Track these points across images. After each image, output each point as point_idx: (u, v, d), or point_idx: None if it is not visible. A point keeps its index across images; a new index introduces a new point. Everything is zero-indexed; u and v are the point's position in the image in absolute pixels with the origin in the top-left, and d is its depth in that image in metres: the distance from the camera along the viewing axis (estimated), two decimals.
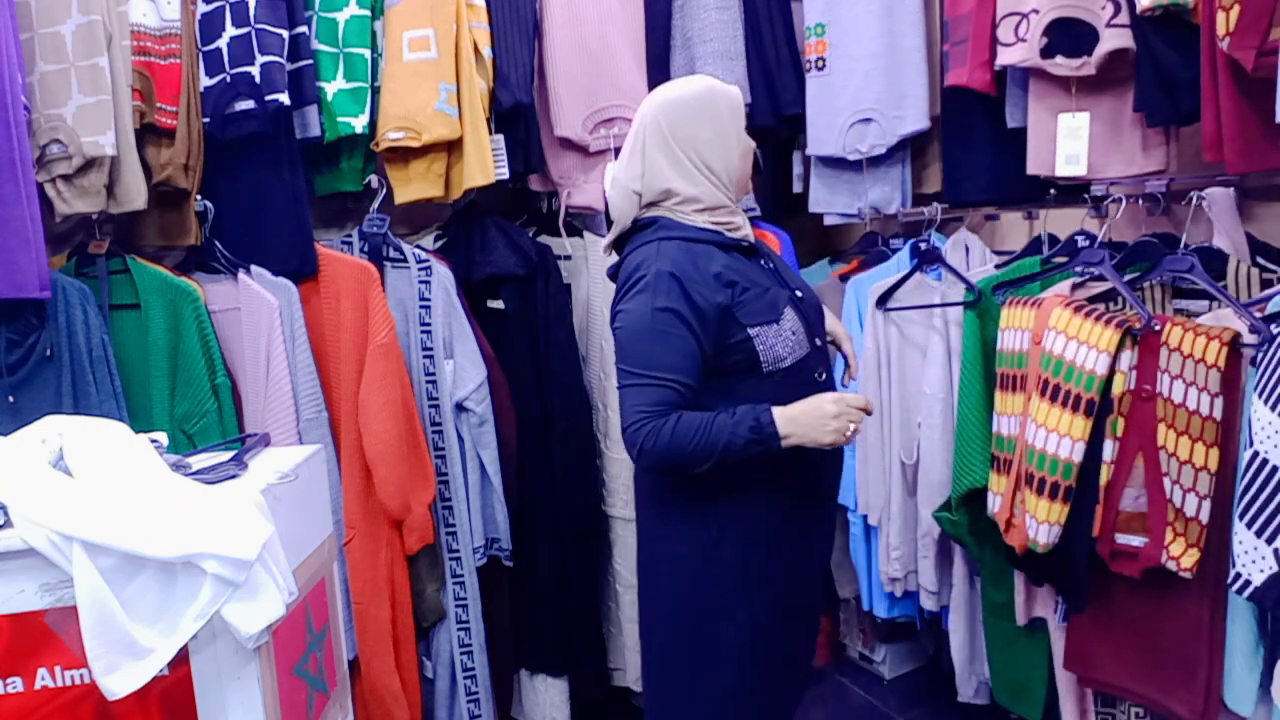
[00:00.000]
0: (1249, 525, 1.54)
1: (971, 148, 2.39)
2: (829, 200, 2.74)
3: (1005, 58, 2.13)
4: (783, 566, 1.74)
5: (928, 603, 2.49)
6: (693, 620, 1.72)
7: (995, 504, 2.00)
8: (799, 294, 1.75)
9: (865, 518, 2.61)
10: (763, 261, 1.76)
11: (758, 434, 1.55)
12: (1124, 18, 1.91)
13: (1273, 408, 1.51)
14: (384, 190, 2.34)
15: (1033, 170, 2.17)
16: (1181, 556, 1.69)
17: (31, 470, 1.33)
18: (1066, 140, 2.02)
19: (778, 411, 1.56)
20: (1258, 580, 1.53)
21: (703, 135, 1.70)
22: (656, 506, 1.77)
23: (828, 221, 2.80)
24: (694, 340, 1.59)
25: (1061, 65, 1.99)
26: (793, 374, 1.67)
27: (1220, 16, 1.61)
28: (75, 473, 1.36)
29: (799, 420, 1.56)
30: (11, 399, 1.94)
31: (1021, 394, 1.92)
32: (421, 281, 2.32)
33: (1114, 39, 1.91)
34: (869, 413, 1.62)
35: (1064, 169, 2.05)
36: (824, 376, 1.74)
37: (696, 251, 1.64)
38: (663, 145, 1.71)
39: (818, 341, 1.75)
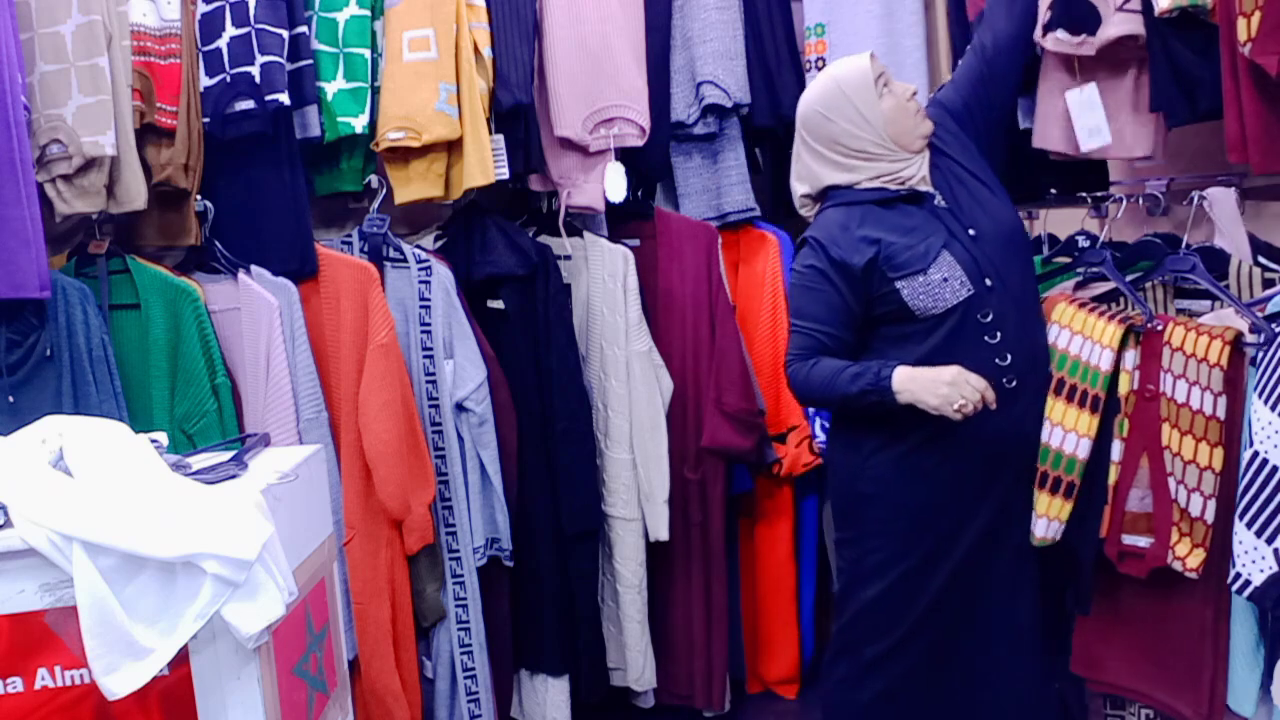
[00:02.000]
0: (1249, 525, 1.54)
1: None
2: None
3: None
4: (925, 513, 1.85)
5: None
6: (843, 531, 1.98)
7: None
8: (971, 233, 1.82)
9: None
10: (938, 201, 1.86)
11: (874, 386, 1.74)
12: (1135, 4, 1.88)
13: (1273, 408, 1.51)
14: (384, 190, 2.34)
15: (1056, 150, 2.10)
16: (1187, 557, 1.68)
17: (31, 470, 1.33)
18: (1082, 114, 2.00)
19: (900, 369, 1.73)
20: (1258, 580, 1.53)
21: (838, 129, 1.86)
22: (835, 420, 2.02)
23: None
24: (837, 294, 1.80)
25: (1063, 41, 1.98)
26: (951, 318, 1.79)
27: (1241, 23, 1.61)
28: (75, 473, 1.36)
29: (916, 379, 1.72)
30: (11, 399, 1.94)
31: None
32: (421, 281, 2.32)
33: (1122, 24, 1.89)
34: (988, 401, 1.70)
35: (1088, 143, 2.00)
36: (989, 317, 1.79)
37: (851, 214, 1.85)
38: (810, 151, 1.92)
39: (988, 282, 1.80)
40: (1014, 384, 1.81)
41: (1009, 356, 1.81)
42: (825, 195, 1.93)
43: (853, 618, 1.94)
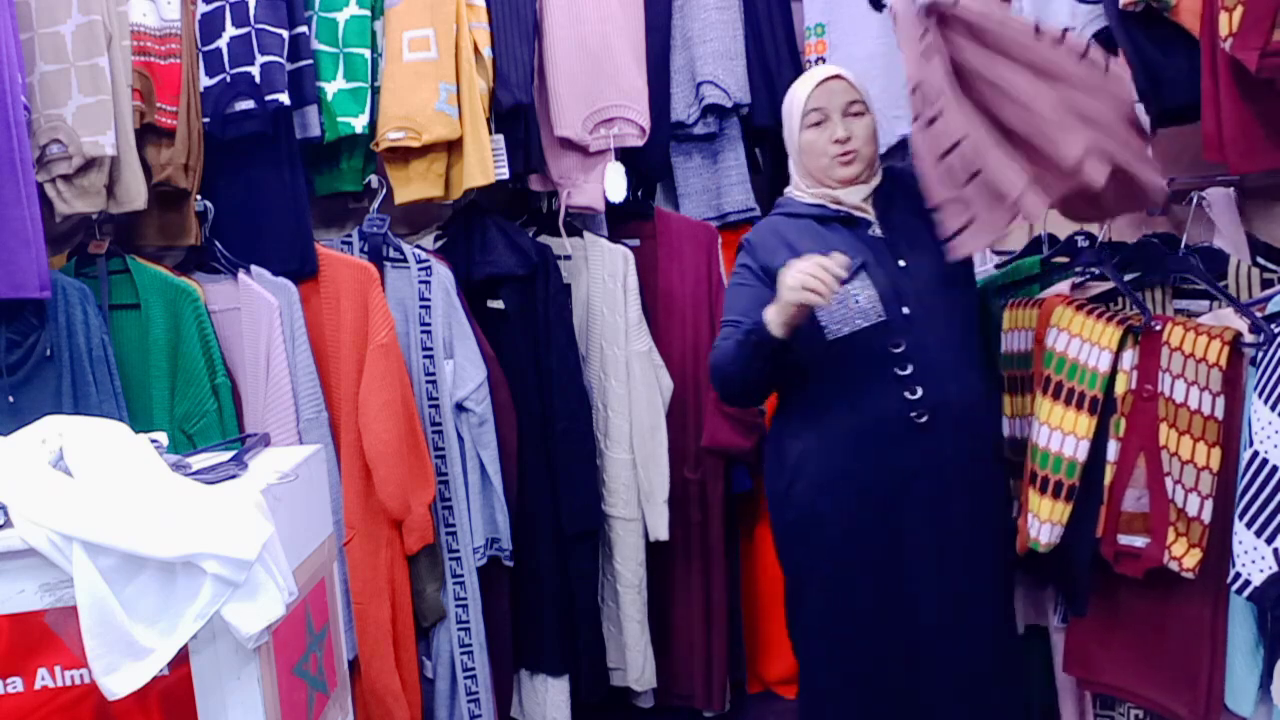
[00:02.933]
0: (1249, 525, 1.54)
1: None
2: None
3: None
4: (842, 521, 1.83)
5: None
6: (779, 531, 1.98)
7: (1013, 509, 2.00)
8: (901, 263, 1.82)
9: None
10: (873, 230, 1.86)
11: (753, 326, 1.71)
12: None
13: (1273, 407, 1.51)
14: (384, 190, 2.34)
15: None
16: (1184, 557, 1.68)
17: (31, 470, 1.33)
18: None
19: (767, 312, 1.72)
20: (1257, 580, 1.53)
21: (787, 133, 1.94)
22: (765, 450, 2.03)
23: None
24: (765, 290, 1.78)
25: None
26: (860, 342, 1.78)
27: (1223, 17, 1.61)
28: (75, 473, 1.36)
29: (777, 296, 1.69)
30: (11, 399, 1.94)
31: (1028, 395, 1.92)
32: (421, 281, 2.32)
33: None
34: (843, 274, 1.64)
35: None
36: (900, 347, 1.77)
37: (788, 224, 1.89)
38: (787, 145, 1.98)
39: (905, 310, 1.78)
40: (924, 419, 1.78)
41: (919, 390, 1.78)
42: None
43: (804, 655, 1.95)
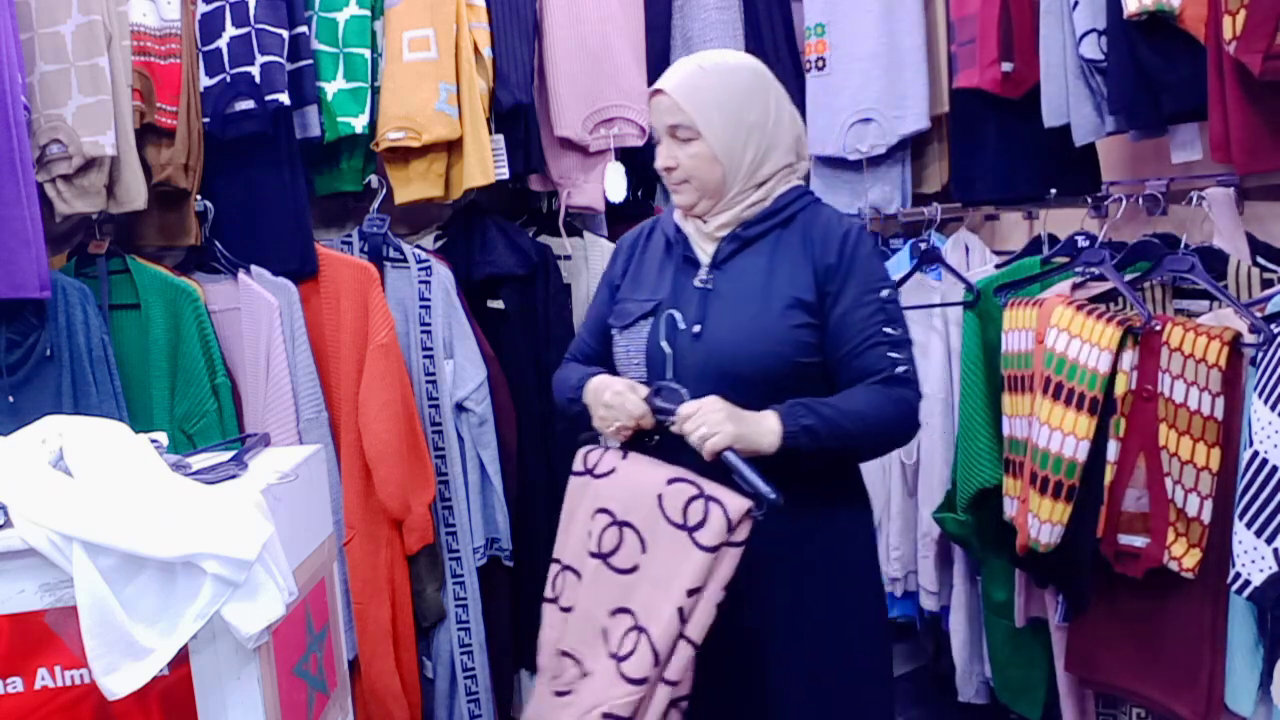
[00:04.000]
0: (1249, 525, 1.54)
1: (983, 146, 2.39)
2: (829, 200, 2.74)
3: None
4: None
5: (928, 603, 2.48)
6: None
7: (1012, 507, 2.00)
8: (696, 329, 1.51)
9: None
10: (700, 276, 1.54)
11: (578, 386, 1.59)
12: None
13: (1273, 407, 1.51)
14: (384, 190, 2.34)
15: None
16: (1183, 557, 1.69)
17: (32, 470, 1.33)
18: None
19: (599, 376, 1.57)
20: (1257, 580, 1.53)
21: None
22: None
23: None
24: (604, 305, 1.67)
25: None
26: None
27: (1226, 21, 1.61)
28: (75, 473, 1.36)
29: (592, 389, 1.55)
30: (11, 399, 1.94)
31: (1029, 395, 1.92)
32: (421, 281, 2.32)
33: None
34: (646, 429, 1.49)
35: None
36: (653, 441, 1.52)
37: (652, 237, 1.66)
38: None
39: (656, 387, 1.50)
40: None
41: (656, 439, 1.54)
42: None
43: None
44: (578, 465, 1.56)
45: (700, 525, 1.35)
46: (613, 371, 1.61)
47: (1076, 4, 1.98)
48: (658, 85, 1.53)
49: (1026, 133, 2.23)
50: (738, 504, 1.35)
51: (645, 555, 1.41)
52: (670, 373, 1.51)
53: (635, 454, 1.51)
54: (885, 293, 1.49)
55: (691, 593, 1.34)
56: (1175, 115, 1.84)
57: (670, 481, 1.42)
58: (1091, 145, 2.16)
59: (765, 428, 1.40)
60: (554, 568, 1.58)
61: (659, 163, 1.54)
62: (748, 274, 1.52)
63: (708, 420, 1.39)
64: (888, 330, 1.47)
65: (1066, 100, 2.08)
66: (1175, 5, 1.72)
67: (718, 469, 1.39)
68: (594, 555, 1.48)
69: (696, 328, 1.51)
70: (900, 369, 1.47)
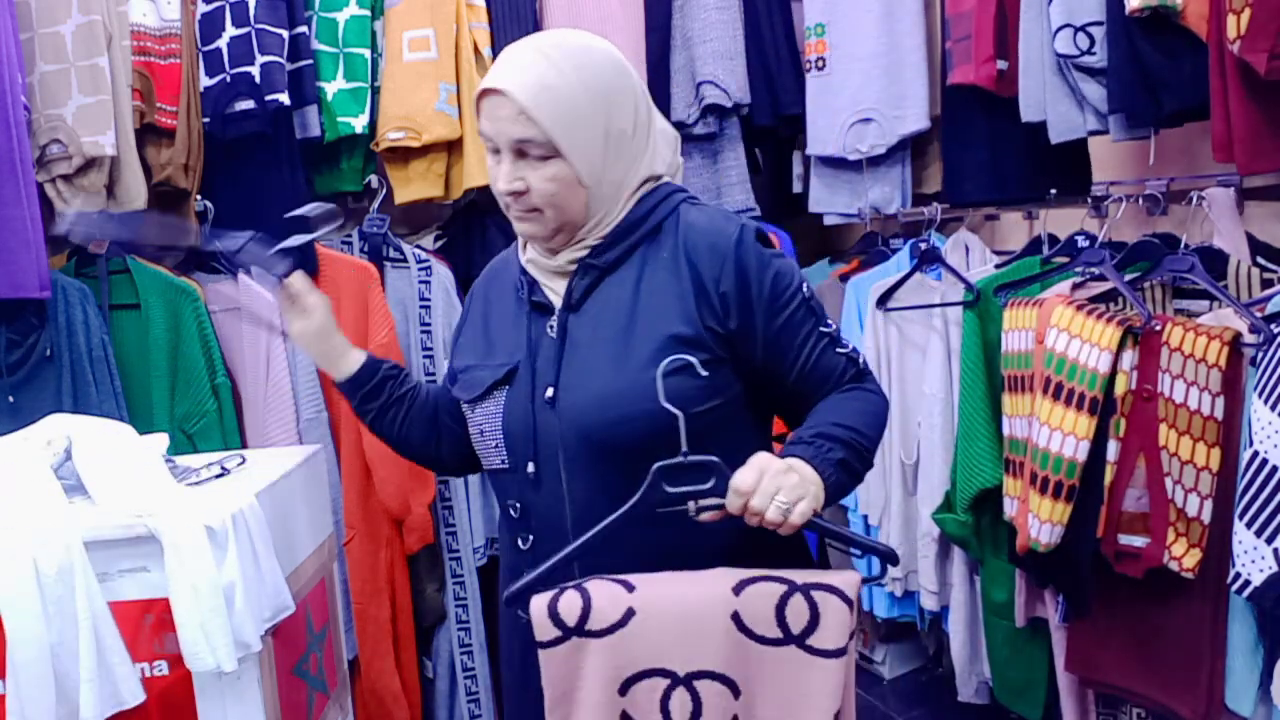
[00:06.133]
0: (1249, 525, 1.54)
1: (973, 146, 2.39)
2: (829, 200, 2.74)
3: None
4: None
5: (928, 602, 2.48)
6: None
7: (1012, 507, 2.00)
8: (549, 393, 1.19)
9: (866, 517, 2.60)
10: (551, 325, 1.22)
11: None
12: None
13: (1273, 407, 1.51)
14: (384, 190, 2.34)
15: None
16: (1183, 557, 1.68)
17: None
18: None
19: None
20: (1257, 580, 1.53)
21: None
22: None
23: (828, 221, 2.80)
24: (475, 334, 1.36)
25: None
26: (494, 483, 1.31)
27: (1230, 20, 1.61)
28: (83, 478, 1.36)
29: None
30: (11, 399, 1.94)
31: (1029, 395, 1.92)
32: (421, 281, 2.32)
33: None
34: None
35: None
36: (516, 509, 1.24)
37: (495, 279, 1.35)
38: None
39: (530, 469, 1.20)
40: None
41: (531, 539, 1.23)
42: None
43: None
44: (541, 624, 1.06)
45: (813, 627, 1.03)
46: (467, 446, 1.34)
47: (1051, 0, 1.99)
48: (491, 83, 1.14)
49: (1016, 134, 2.23)
50: (849, 580, 1.05)
51: (742, 703, 1.05)
52: (533, 454, 1.20)
53: (633, 576, 1.07)
54: (798, 289, 1.21)
55: (836, 716, 1.04)
56: (1177, 114, 1.83)
57: (738, 588, 1.04)
58: (1083, 144, 2.16)
59: (809, 478, 1.07)
60: None
61: (499, 185, 1.17)
62: (608, 312, 1.19)
63: (784, 485, 1.03)
64: (823, 329, 1.22)
65: (1044, 96, 2.08)
66: (1178, 2, 1.72)
67: (690, 538, 1.07)
68: None
69: (549, 391, 1.19)
70: (855, 362, 1.25)
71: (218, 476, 1.53)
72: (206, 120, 2.13)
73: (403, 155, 2.29)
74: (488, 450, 1.27)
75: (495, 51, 2.32)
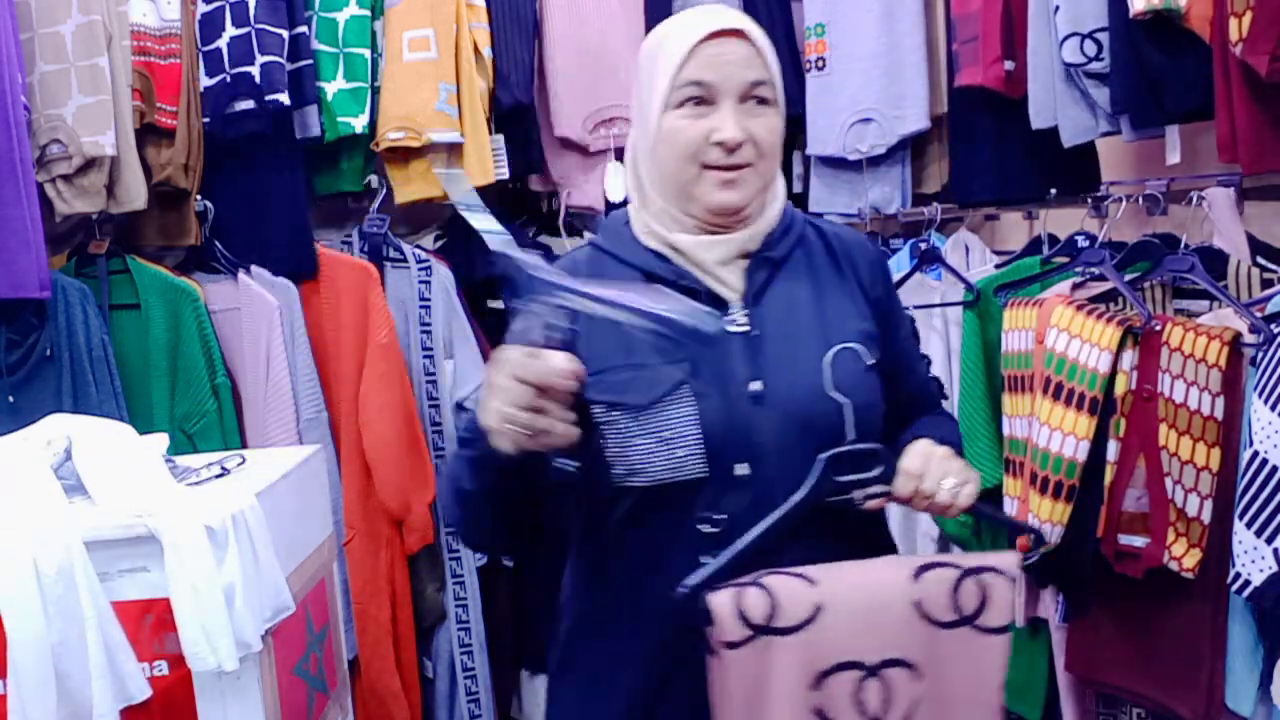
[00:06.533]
0: (1249, 525, 1.54)
1: (981, 147, 2.39)
2: (829, 200, 2.74)
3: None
4: None
5: None
6: None
7: (1012, 507, 2.00)
8: (754, 387, 1.10)
9: None
10: (735, 318, 1.13)
11: (471, 428, 1.03)
12: None
13: (1273, 407, 1.51)
14: (384, 190, 2.34)
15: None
16: (1183, 557, 1.68)
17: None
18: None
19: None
20: (1257, 580, 1.53)
21: (636, 106, 1.17)
22: None
23: None
24: None
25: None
26: (658, 502, 1.09)
27: (1233, 23, 1.61)
28: (84, 478, 1.36)
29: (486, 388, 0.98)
30: (11, 399, 1.94)
31: (1029, 395, 1.92)
32: (421, 281, 2.32)
33: None
34: (570, 396, 0.94)
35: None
36: (718, 526, 1.08)
37: (608, 268, 1.16)
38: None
39: (738, 471, 1.08)
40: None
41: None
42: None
43: None
44: (729, 623, 1.01)
45: (983, 608, 1.06)
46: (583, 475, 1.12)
47: (1058, 7, 1.98)
48: (725, 24, 1.08)
49: (1025, 133, 2.23)
50: (1009, 560, 1.08)
51: (924, 685, 1.06)
52: (745, 454, 1.09)
53: (808, 570, 1.05)
54: (906, 313, 1.28)
55: (999, 689, 1.09)
56: (1180, 115, 1.83)
57: (917, 573, 1.06)
58: (1091, 145, 2.16)
59: (967, 465, 1.10)
60: None
61: (727, 133, 1.07)
62: (794, 307, 1.14)
63: (950, 469, 1.06)
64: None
65: (1054, 102, 2.08)
66: (1181, 4, 1.72)
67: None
68: None
69: (754, 385, 1.10)
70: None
71: (218, 476, 1.53)
72: (206, 120, 2.13)
73: (403, 155, 2.29)
74: (669, 461, 1.08)
75: (495, 51, 2.31)
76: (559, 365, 0.92)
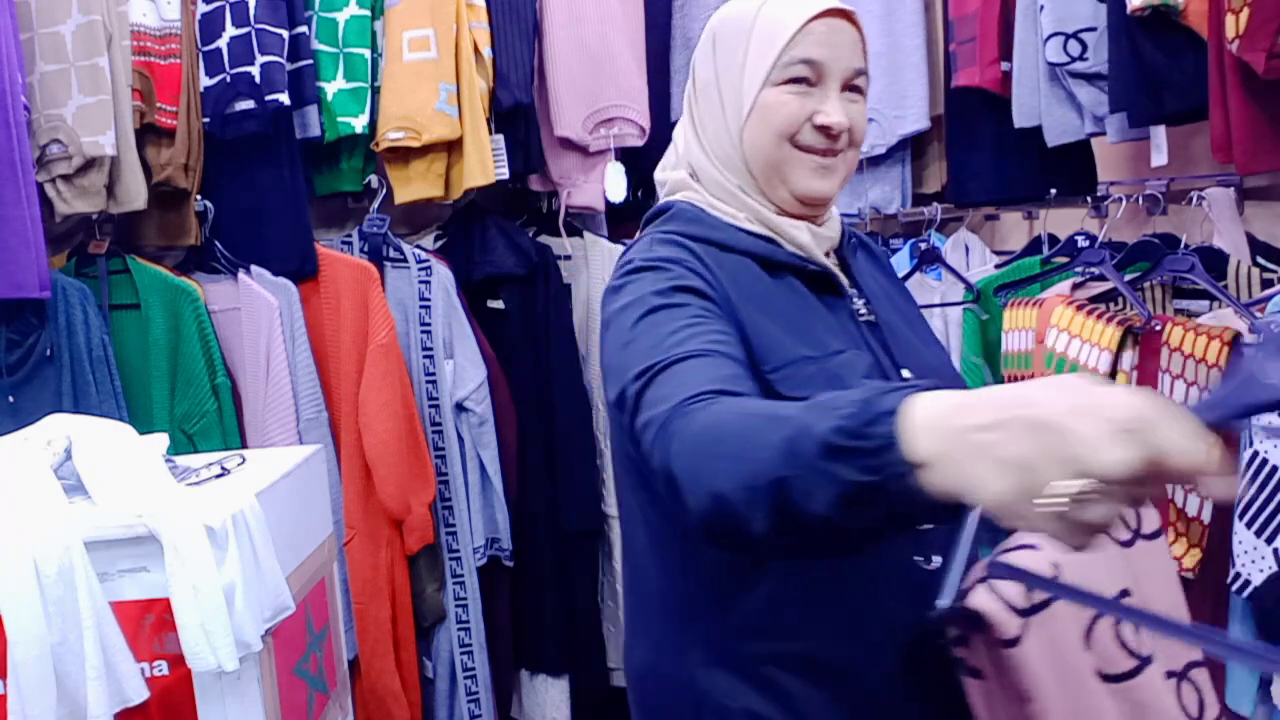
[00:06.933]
0: (1249, 525, 1.54)
1: (977, 148, 2.39)
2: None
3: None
4: None
5: None
6: None
7: None
8: (906, 374, 1.06)
9: None
10: (858, 307, 1.09)
11: (858, 429, 0.68)
12: None
13: None
14: (384, 190, 2.34)
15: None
16: (1183, 557, 1.68)
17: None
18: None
19: (926, 395, 0.67)
20: (1257, 580, 1.53)
21: (718, 72, 1.12)
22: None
23: None
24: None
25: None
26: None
27: (1229, 20, 1.61)
28: (84, 478, 1.36)
29: (982, 413, 0.63)
30: (11, 399, 1.94)
31: None
32: (421, 281, 2.32)
33: None
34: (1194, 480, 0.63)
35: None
36: (929, 562, 1.01)
37: (721, 257, 1.05)
38: (687, 102, 1.15)
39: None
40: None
41: (937, 556, 1.03)
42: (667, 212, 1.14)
43: None
44: (1005, 619, 0.92)
45: (1140, 521, 1.09)
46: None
47: (1043, 7, 1.99)
48: (836, 3, 1.04)
49: (1021, 134, 2.23)
50: None
51: (1136, 600, 1.05)
52: None
53: (1020, 538, 0.98)
54: None
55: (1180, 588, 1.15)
56: (1178, 113, 1.83)
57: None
58: (1086, 145, 2.16)
59: None
60: None
61: (833, 117, 1.03)
62: (883, 292, 1.14)
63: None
64: None
65: (1039, 102, 2.08)
66: (1179, 1, 1.72)
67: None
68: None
69: (905, 372, 1.06)
70: None
71: (218, 476, 1.53)
72: (206, 120, 2.13)
73: (403, 155, 2.29)
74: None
75: (495, 51, 2.31)
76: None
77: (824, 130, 1.04)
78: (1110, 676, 0.99)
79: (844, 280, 1.10)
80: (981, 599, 0.94)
